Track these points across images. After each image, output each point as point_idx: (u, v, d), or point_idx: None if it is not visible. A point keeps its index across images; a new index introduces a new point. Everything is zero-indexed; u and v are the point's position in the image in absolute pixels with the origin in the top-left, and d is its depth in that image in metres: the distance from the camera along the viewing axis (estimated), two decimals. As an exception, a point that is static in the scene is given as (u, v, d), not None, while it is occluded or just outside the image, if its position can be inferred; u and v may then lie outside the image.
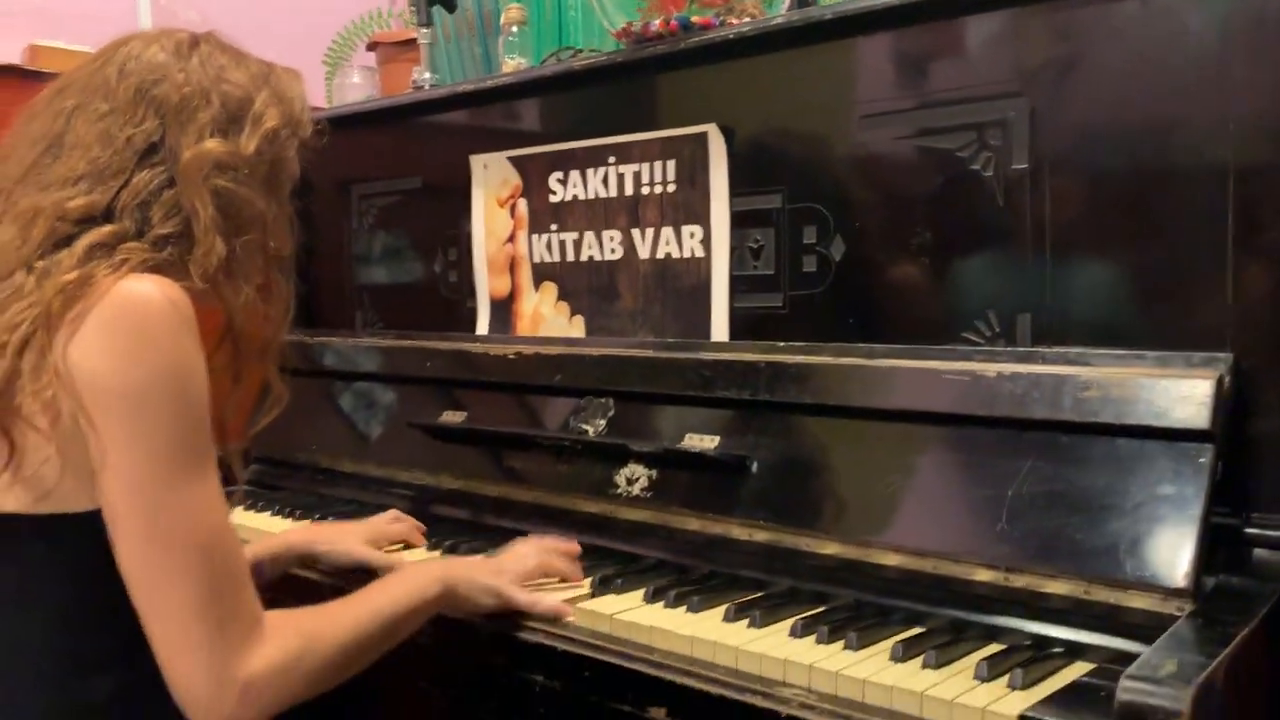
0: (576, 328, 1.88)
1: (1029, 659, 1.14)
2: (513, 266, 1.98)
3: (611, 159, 1.80)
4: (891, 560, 1.32)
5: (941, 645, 1.18)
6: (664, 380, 1.62)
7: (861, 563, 1.35)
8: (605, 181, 1.81)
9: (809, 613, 1.30)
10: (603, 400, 1.68)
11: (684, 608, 1.33)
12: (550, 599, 1.38)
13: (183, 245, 1.15)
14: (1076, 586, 1.18)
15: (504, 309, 2.00)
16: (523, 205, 1.95)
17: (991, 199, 1.40)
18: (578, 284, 1.88)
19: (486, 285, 2.02)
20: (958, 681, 1.10)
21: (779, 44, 1.58)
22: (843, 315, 1.54)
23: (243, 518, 1.91)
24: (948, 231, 1.45)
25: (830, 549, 1.38)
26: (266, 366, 1.28)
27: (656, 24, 1.70)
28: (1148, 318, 1.30)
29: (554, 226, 1.90)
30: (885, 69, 1.51)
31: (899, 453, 1.36)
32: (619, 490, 1.57)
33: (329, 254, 2.34)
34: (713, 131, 1.66)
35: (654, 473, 1.56)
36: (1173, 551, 1.13)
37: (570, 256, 1.88)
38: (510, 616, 1.38)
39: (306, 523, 1.86)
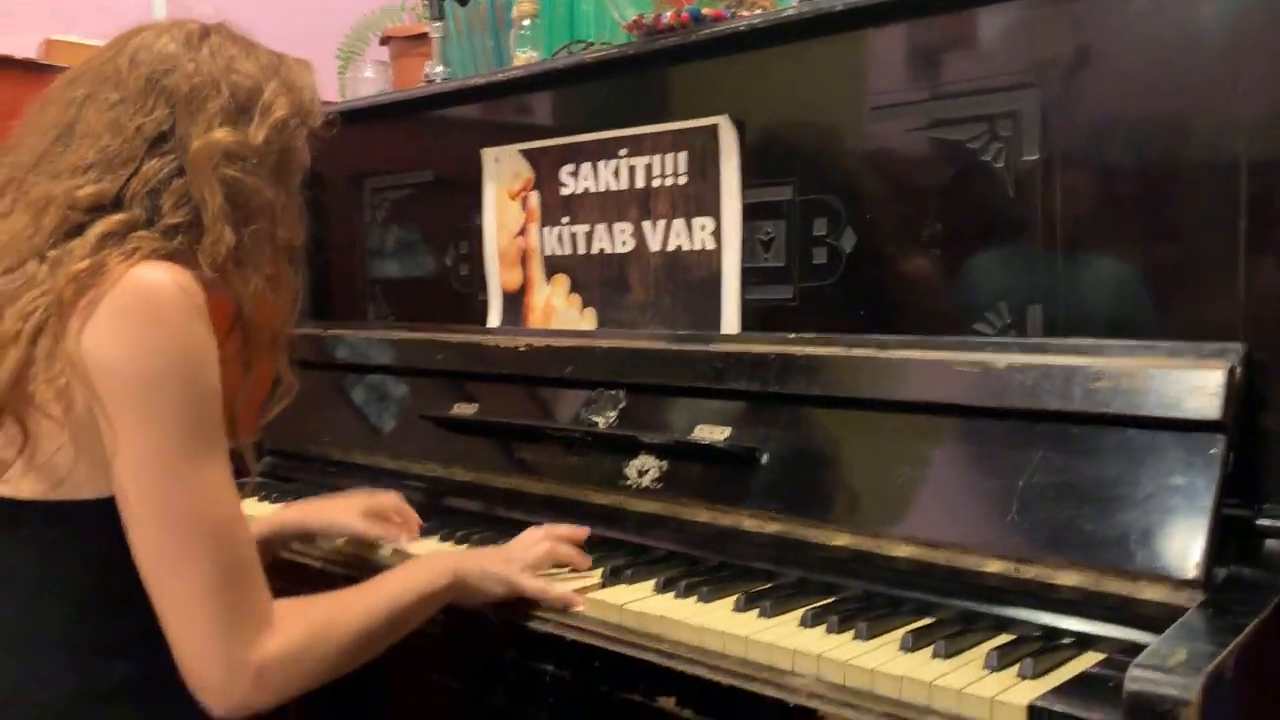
0: (588, 320, 1.88)
1: (1039, 649, 1.14)
2: (524, 259, 1.98)
3: (623, 151, 1.80)
4: (902, 551, 1.32)
5: (951, 635, 1.17)
6: (675, 372, 1.62)
7: (872, 554, 1.35)
8: (616, 174, 1.82)
9: (819, 603, 1.30)
10: (614, 392, 1.68)
11: (694, 598, 1.33)
12: (560, 587, 1.38)
13: (192, 234, 1.16)
14: (1087, 577, 1.18)
15: (515, 302, 2.00)
16: (534, 198, 1.95)
17: (1003, 190, 1.39)
18: (589, 276, 1.88)
19: (498, 278, 2.02)
20: (967, 671, 1.10)
21: (790, 36, 1.58)
22: (853, 307, 1.54)
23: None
24: (959, 223, 1.44)
25: (841, 540, 1.37)
26: (276, 356, 1.28)
27: (668, 16, 1.70)
28: (1159, 309, 1.29)
29: (565, 219, 1.90)
30: (896, 60, 1.51)
31: (909, 444, 1.35)
32: (630, 482, 1.57)
33: (341, 247, 2.35)
34: (724, 124, 1.66)
35: (665, 464, 1.56)
36: (1184, 542, 1.12)
37: (582, 249, 1.88)
38: (520, 606, 1.38)
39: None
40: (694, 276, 1.72)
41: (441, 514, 1.78)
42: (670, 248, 1.75)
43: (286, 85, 1.25)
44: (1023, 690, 1.05)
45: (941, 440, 1.34)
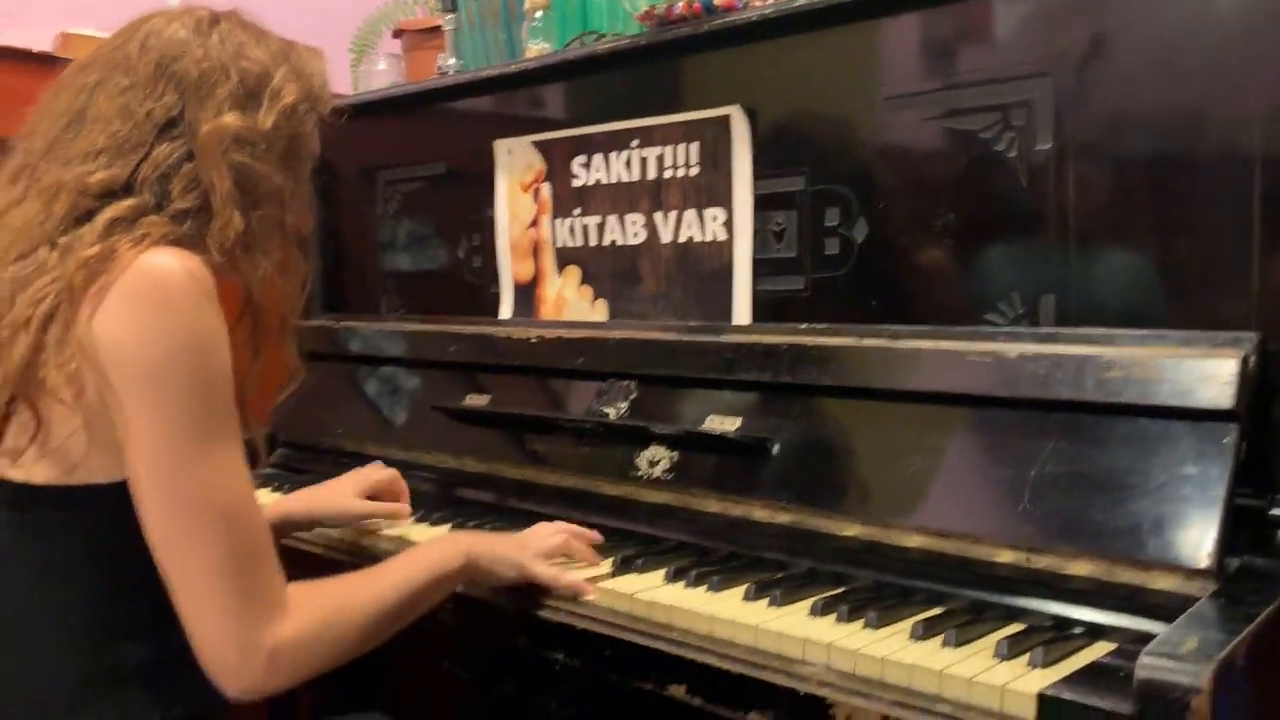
0: (600, 312, 1.88)
1: (1050, 639, 1.14)
2: (536, 251, 1.98)
3: (634, 142, 1.80)
4: (913, 541, 1.32)
5: (962, 625, 1.17)
6: (686, 363, 1.62)
7: (883, 544, 1.34)
8: (628, 165, 1.81)
9: (829, 593, 1.30)
10: (625, 383, 1.68)
11: (704, 587, 1.33)
12: (572, 575, 1.38)
13: (201, 219, 1.17)
14: (1099, 567, 1.17)
15: (527, 293, 2.00)
16: (546, 190, 1.95)
17: (1015, 180, 1.39)
18: (601, 268, 1.88)
19: (510, 270, 2.02)
20: (977, 660, 1.10)
21: (802, 26, 1.57)
22: (865, 297, 1.54)
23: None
24: (971, 213, 1.44)
25: (852, 530, 1.37)
26: (284, 341, 1.29)
27: (680, 7, 1.70)
28: (1172, 299, 1.29)
29: (577, 211, 1.90)
30: (909, 50, 1.50)
31: (921, 434, 1.35)
32: (641, 473, 1.57)
33: (354, 239, 2.36)
34: (736, 114, 1.66)
35: (676, 455, 1.56)
36: (1196, 532, 1.12)
37: (593, 241, 1.88)
38: (532, 594, 1.39)
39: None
40: (705, 267, 1.72)
41: (453, 505, 1.78)
42: (682, 239, 1.75)
43: (296, 71, 1.25)
44: (1033, 679, 1.04)
45: (953, 430, 1.33)
